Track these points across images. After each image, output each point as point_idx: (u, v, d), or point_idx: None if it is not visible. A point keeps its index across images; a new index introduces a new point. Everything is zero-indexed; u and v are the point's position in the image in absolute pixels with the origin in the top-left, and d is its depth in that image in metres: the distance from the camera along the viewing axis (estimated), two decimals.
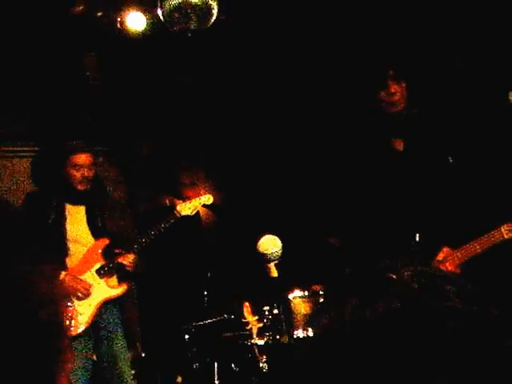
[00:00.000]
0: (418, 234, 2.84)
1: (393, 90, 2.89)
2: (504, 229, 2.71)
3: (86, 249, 3.60)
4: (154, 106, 5.23)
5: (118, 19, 4.11)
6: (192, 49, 4.41)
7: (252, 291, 4.00)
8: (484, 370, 0.64)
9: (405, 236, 2.86)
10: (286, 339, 3.59)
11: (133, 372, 4.48)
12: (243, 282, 4.47)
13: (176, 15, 3.49)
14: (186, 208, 3.90)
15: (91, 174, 3.62)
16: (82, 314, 3.51)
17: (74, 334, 3.43)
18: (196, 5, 3.47)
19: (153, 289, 5.12)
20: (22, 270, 0.79)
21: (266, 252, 2.87)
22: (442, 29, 3.81)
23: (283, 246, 2.86)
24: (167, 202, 3.97)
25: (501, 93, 3.48)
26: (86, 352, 3.51)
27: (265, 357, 3.74)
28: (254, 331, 3.86)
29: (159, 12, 3.64)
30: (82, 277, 3.56)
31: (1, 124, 4.91)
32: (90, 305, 3.54)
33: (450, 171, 2.94)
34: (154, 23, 4.02)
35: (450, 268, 2.76)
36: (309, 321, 3.63)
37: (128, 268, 3.63)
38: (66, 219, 3.59)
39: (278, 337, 3.68)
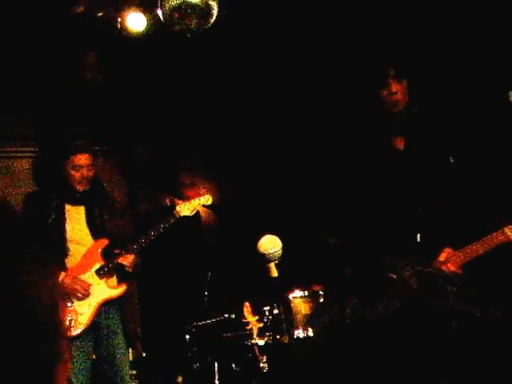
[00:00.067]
0: (419, 235, 2.84)
1: (394, 89, 2.88)
2: (509, 230, 2.68)
3: (85, 249, 3.60)
4: (154, 106, 5.23)
5: (119, 19, 4.12)
6: (192, 49, 4.41)
7: (252, 291, 3.99)
8: (484, 370, 0.64)
9: (405, 236, 2.86)
10: (286, 339, 3.59)
11: (134, 372, 4.49)
12: (243, 282, 4.46)
13: (176, 15, 3.49)
14: (185, 209, 3.90)
15: (90, 174, 3.62)
16: (81, 315, 3.51)
17: (73, 334, 3.43)
18: (196, 5, 3.47)
19: (153, 289, 5.12)
20: (21, 269, 0.79)
21: (266, 252, 2.87)
22: (443, 28, 3.81)
23: (283, 246, 2.86)
24: (167, 202, 3.97)
25: (501, 92, 3.48)
26: (86, 352, 3.51)
27: (265, 357, 3.74)
28: (255, 331, 3.86)
29: (159, 12, 3.63)
30: (81, 277, 3.56)
31: (1, 124, 4.91)
32: (89, 305, 3.54)
33: (451, 171, 2.93)
34: (154, 23, 4.02)
35: (451, 269, 2.75)
36: (309, 321, 3.63)
37: (127, 268, 3.63)
38: (65, 219, 3.59)
39: (278, 337, 3.67)
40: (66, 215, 3.60)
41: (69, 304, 3.49)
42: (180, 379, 4.59)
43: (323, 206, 4.18)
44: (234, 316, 4.11)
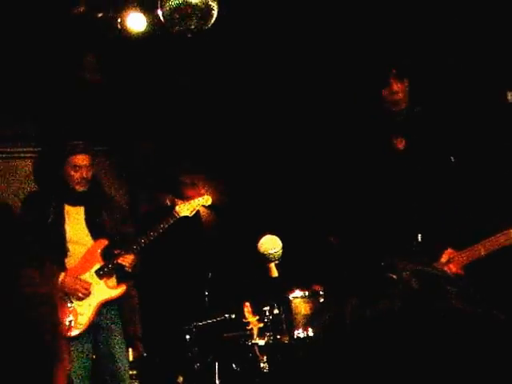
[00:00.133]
0: (420, 235, 2.83)
1: (395, 89, 2.87)
2: None
3: (85, 249, 3.60)
4: (155, 107, 5.24)
5: (119, 20, 4.11)
6: (192, 49, 4.41)
7: (252, 291, 4.00)
8: (484, 370, 0.64)
9: (405, 236, 2.85)
10: (286, 339, 3.59)
11: (134, 372, 4.49)
12: (244, 282, 4.47)
13: (176, 16, 3.49)
14: (184, 209, 3.90)
15: (89, 174, 3.62)
16: (82, 315, 3.51)
17: (73, 334, 3.43)
18: (196, 5, 3.48)
19: (154, 289, 5.12)
20: (21, 270, 0.79)
21: (266, 252, 2.88)
22: (443, 28, 3.81)
23: (283, 246, 2.86)
24: (168, 202, 3.97)
25: (500, 92, 3.48)
26: (86, 352, 3.51)
27: (265, 357, 3.74)
28: (255, 331, 3.86)
29: (159, 13, 3.64)
30: (81, 277, 3.56)
31: (2, 125, 4.91)
32: (89, 305, 3.55)
33: (452, 171, 2.93)
34: (154, 24, 4.02)
35: (454, 270, 2.73)
36: (309, 321, 3.63)
37: (127, 269, 3.63)
38: (65, 220, 3.59)
39: (278, 337, 3.68)
40: (66, 215, 3.60)
41: (69, 304, 3.50)
42: (180, 379, 4.59)
43: (323, 205, 4.18)
44: (234, 316, 4.11)
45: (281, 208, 4.83)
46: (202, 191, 5.06)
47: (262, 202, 5.01)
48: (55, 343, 0.79)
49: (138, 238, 3.67)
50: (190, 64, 4.74)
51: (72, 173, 3.57)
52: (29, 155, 4.88)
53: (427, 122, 2.97)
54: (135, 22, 4.11)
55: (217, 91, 5.01)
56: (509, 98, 3.39)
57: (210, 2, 3.51)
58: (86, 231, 3.63)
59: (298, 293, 3.76)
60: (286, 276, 3.04)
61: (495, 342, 0.66)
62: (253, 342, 3.83)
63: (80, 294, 3.51)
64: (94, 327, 3.55)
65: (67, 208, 3.62)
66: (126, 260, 3.62)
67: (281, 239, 2.88)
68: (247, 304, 3.98)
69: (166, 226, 3.75)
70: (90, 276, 3.59)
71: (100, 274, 3.60)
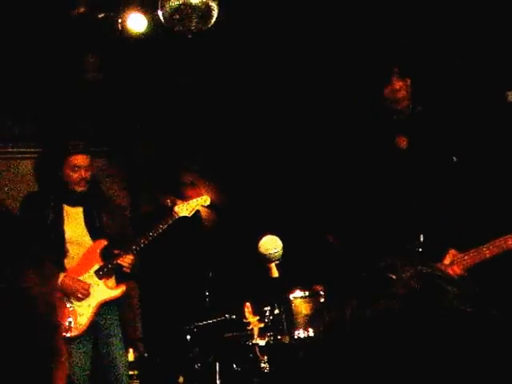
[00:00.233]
0: (421, 235, 2.82)
1: (397, 87, 2.86)
2: None
3: (84, 250, 3.60)
4: (155, 107, 5.24)
5: (119, 20, 4.12)
6: (192, 50, 4.41)
7: (253, 291, 4.00)
8: (484, 370, 0.64)
9: (406, 236, 2.85)
10: (287, 339, 3.59)
11: (135, 372, 4.49)
12: (244, 283, 4.47)
13: (176, 16, 3.50)
14: (183, 209, 3.90)
15: (88, 175, 3.61)
16: (81, 315, 3.52)
17: (73, 334, 3.43)
18: (196, 6, 3.48)
19: (155, 289, 5.12)
20: (20, 270, 0.79)
21: (266, 252, 2.87)
22: (445, 27, 3.80)
23: (284, 247, 2.86)
24: (168, 202, 3.97)
25: (499, 92, 3.47)
26: (86, 353, 3.51)
27: (266, 357, 3.74)
28: (255, 331, 3.86)
29: (160, 13, 3.64)
30: (81, 278, 3.56)
31: (2, 125, 4.91)
32: (89, 305, 3.55)
33: (454, 171, 2.92)
34: (154, 24, 4.02)
35: (458, 271, 2.70)
36: (310, 321, 3.63)
37: (126, 269, 3.63)
38: (64, 220, 3.59)
39: (279, 337, 3.67)
40: (65, 216, 3.60)
41: (68, 305, 3.50)
42: (181, 379, 4.59)
43: (324, 205, 4.18)
44: (234, 316, 4.11)
45: (281, 208, 4.83)
46: (202, 191, 5.06)
47: (263, 202, 5.01)
48: (55, 344, 0.79)
49: (138, 239, 3.67)
50: (191, 64, 4.74)
51: (71, 173, 3.56)
52: (29, 155, 4.88)
53: (429, 122, 2.96)
54: (136, 22, 4.12)
55: (217, 91, 5.01)
56: (509, 98, 3.39)
57: (210, 3, 3.52)
58: (85, 232, 3.63)
59: (298, 293, 3.76)
60: (286, 276, 3.04)
61: (495, 343, 0.66)
62: (253, 342, 3.83)
63: (79, 295, 3.51)
64: (94, 328, 3.55)
65: (66, 208, 3.62)
66: (126, 260, 3.62)
67: (281, 239, 2.88)
68: (248, 304, 3.98)
69: (165, 226, 3.75)
70: (89, 276, 3.59)
71: (99, 274, 3.60)
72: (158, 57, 4.65)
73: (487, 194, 3.04)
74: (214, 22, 3.61)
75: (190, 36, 3.63)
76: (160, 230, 3.71)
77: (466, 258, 2.74)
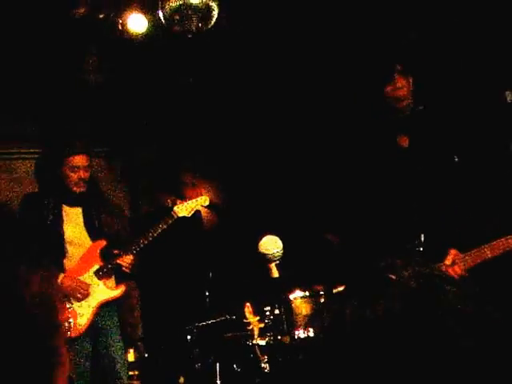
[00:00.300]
0: (422, 235, 2.81)
1: (399, 85, 2.84)
2: None
3: (83, 250, 3.60)
4: (155, 107, 5.24)
5: (120, 21, 4.12)
6: (193, 50, 4.41)
7: (253, 292, 4.00)
8: (484, 370, 0.64)
9: (406, 236, 2.84)
10: (287, 339, 3.59)
11: (136, 373, 4.49)
12: (244, 283, 4.47)
13: (177, 17, 3.50)
14: (183, 209, 3.90)
15: (87, 175, 3.61)
16: (81, 316, 3.52)
17: (73, 335, 3.44)
18: (196, 6, 3.48)
19: (155, 290, 5.12)
20: (20, 270, 0.79)
21: (266, 252, 2.87)
22: (448, 27, 3.80)
23: (284, 247, 2.86)
24: (169, 202, 3.98)
25: (498, 92, 3.47)
26: (85, 353, 3.51)
27: (266, 357, 3.74)
28: (256, 331, 3.86)
29: (160, 14, 3.64)
30: (80, 278, 3.56)
31: (3, 125, 4.92)
32: (89, 306, 3.55)
33: (455, 170, 2.91)
34: (155, 25, 4.02)
35: (459, 271, 2.69)
36: (310, 321, 3.63)
37: (126, 269, 3.63)
38: (63, 221, 3.59)
39: (279, 337, 3.67)
40: (64, 216, 3.60)
41: (68, 305, 3.49)
42: (182, 380, 4.59)
43: (324, 205, 4.18)
44: (235, 316, 4.11)
45: (281, 208, 4.83)
46: (202, 191, 5.07)
47: (263, 202, 5.01)
48: (56, 344, 0.79)
49: (137, 239, 3.67)
50: (191, 65, 4.74)
51: (70, 174, 3.56)
52: (29, 156, 4.89)
53: (431, 121, 2.94)
54: (136, 23, 4.12)
55: (217, 92, 5.01)
56: (507, 97, 3.38)
57: (210, 3, 3.52)
58: (85, 232, 3.63)
59: (298, 293, 3.76)
60: (286, 276, 3.04)
61: (495, 343, 0.66)
62: (253, 342, 3.83)
63: (79, 295, 3.51)
64: (93, 328, 3.55)
65: (65, 209, 3.62)
66: (125, 260, 3.62)
67: (281, 239, 2.88)
68: (248, 304, 3.98)
69: (165, 226, 3.75)
70: (88, 277, 3.59)
71: (99, 274, 3.60)
72: (159, 57, 4.65)
73: (488, 194, 3.04)
74: (214, 22, 3.61)
75: (190, 36, 3.63)
76: (159, 230, 3.71)
77: (467, 258, 2.73)
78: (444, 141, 2.92)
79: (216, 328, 4.22)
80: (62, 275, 3.48)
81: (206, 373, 4.15)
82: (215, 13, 3.56)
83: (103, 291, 3.61)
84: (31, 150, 4.84)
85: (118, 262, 3.62)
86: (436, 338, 0.65)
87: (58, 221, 3.57)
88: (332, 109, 4.46)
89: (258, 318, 3.90)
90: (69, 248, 3.57)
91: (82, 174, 3.57)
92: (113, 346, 3.60)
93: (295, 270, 3.41)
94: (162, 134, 5.43)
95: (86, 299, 3.54)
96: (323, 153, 4.43)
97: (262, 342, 3.79)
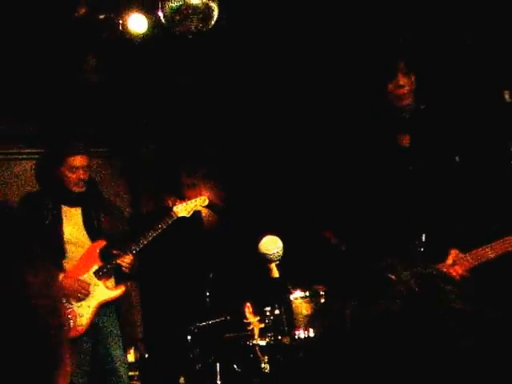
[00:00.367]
0: (423, 235, 2.80)
1: (401, 83, 2.82)
2: None
3: (83, 251, 3.60)
4: (156, 108, 5.24)
5: (120, 21, 4.12)
6: (193, 51, 4.41)
7: (253, 292, 4.00)
8: (484, 370, 0.64)
9: (407, 236, 2.83)
10: (287, 340, 3.59)
11: (136, 373, 4.49)
12: (245, 283, 4.47)
13: (177, 17, 3.50)
14: (182, 209, 3.91)
15: (86, 175, 3.61)
16: (81, 316, 3.52)
17: (73, 335, 3.43)
18: (197, 7, 3.48)
19: (155, 290, 5.12)
20: (21, 270, 0.79)
21: (267, 252, 2.88)
22: (451, 27, 3.79)
23: (284, 247, 2.86)
24: (169, 202, 3.98)
25: (497, 92, 3.46)
26: (85, 353, 3.51)
27: (266, 357, 3.74)
28: (256, 332, 3.86)
29: (160, 14, 3.65)
30: (80, 278, 3.56)
31: (3, 126, 4.92)
32: (89, 306, 3.55)
33: (456, 171, 2.90)
34: (155, 25, 4.02)
35: (460, 272, 2.68)
36: (310, 321, 3.63)
37: (125, 269, 3.63)
38: (62, 221, 3.59)
39: (279, 337, 3.67)
40: (63, 217, 3.60)
41: (68, 306, 3.49)
42: (182, 380, 4.59)
43: (324, 205, 4.17)
44: (235, 317, 4.11)
45: (281, 208, 4.83)
46: (202, 192, 5.07)
47: (263, 202, 5.01)
48: (57, 346, 0.79)
49: (137, 239, 3.67)
50: (191, 65, 4.75)
51: (69, 174, 3.56)
52: (29, 156, 4.89)
53: (433, 120, 2.93)
54: (136, 23, 4.12)
55: (217, 92, 5.01)
56: (506, 97, 3.38)
57: (211, 4, 3.52)
58: (84, 232, 3.63)
59: (298, 293, 3.76)
60: (286, 276, 3.04)
61: (495, 343, 0.66)
62: (254, 342, 3.83)
63: (80, 295, 3.51)
64: (93, 328, 3.55)
65: (64, 209, 3.62)
66: (125, 260, 3.62)
67: (282, 240, 2.88)
68: (248, 304, 3.98)
69: (164, 226, 3.75)
70: (88, 277, 3.58)
71: (99, 274, 3.60)
72: (159, 57, 4.65)
73: (489, 194, 3.03)
74: (215, 22, 3.61)
75: (190, 37, 3.63)
76: (159, 231, 3.72)
77: (468, 258, 2.72)
78: (445, 141, 2.91)
79: (216, 328, 4.23)
80: (61, 275, 3.48)
81: (206, 373, 4.15)
82: (215, 13, 3.56)
83: (103, 291, 3.61)
84: (31, 150, 4.84)
85: (118, 262, 3.62)
86: (436, 338, 0.65)
87: (58, 221, 3.57)
88: (332, 108, 4.46)
89: (258, 318, 3.90)
90: (68, 248, 3.57)
91: (81, 174, 3.57)
92: (113, 346, 3.60)
93: (295, 270, 3.41)
94: (162, 134, 5.43)
95: (86, 299, 3.54)
96: (323, 152, 4.42)
97: (263, 343, 3.79)
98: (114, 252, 3.65)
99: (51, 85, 4.73)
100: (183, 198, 4.16)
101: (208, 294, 4.42)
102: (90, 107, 4.94)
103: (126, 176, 5.59)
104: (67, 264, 3.55)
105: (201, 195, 4.26)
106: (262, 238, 2.94)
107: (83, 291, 3.52)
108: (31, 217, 3.53)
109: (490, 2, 3.67)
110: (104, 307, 3.61)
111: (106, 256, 3.63)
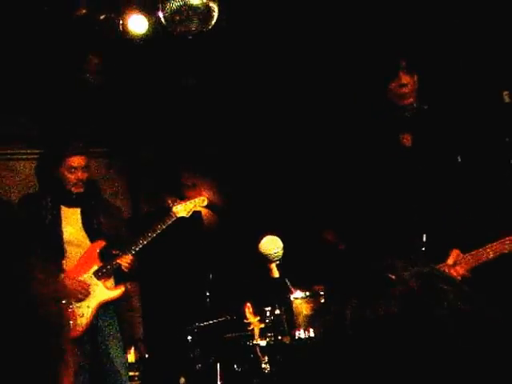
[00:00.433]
0: (424, 235, 2.79)
1: (404, 82, 2.80)
2: None
3: (82, 251, 3.60)
4: (156, 108, 5.24)
5: (120, 22, 4.12)
6: (193, 51, 4.41)
7: (254, 292, 4.00)
8: (484, 370, 0.64)
9: (408, 236, 2.83)
10: (287, 340, 3.59)
11: (137, 373, 4.49)
12: (245, 283, 4.47)
13: (177, 17, 3.51)
14: (181, 210, 3.90)
15: (85, 176, 3.61)
16: (81, 316, 3.51)
17: (73, 335, 3.44)
18: (197, 7, 3.49)
19: (156, 290, 5.12)
20: (22, 270, 0.79)
21: (267, 252, 2.87)
22: (453, 26, 3.79)
23: (284, 247, 2.86)
24: (170, 203, 3.98)
25: (496, 92, 3.45)
26: (85, 354, 3.51)
27: (267, 357, 3.74)
28: (256, 332, 3.86)
29: (160, 14, 3.65)
30: (80, 279, 3.56)
31: (4, 126, 4.92)
32: (88, 306, 3.54)
33: (458, 171, 2.89)
34: (155, 26, 4.03)
35: (461, 272, 2.67)
36: (310, 321, 3.63)
37: (125, 269, 3.63)
38: (61, 221, 3.59)
39: (279, 337, 3.68)
40: (62, 217, 3.60)
41: (68, 306, 3.49)
42: (182, 380, 4.60)
43: (325, 205, 4.17)
44: (235, 317, 4.11)
45: (281, 208, 4.84)
46: (202, 192, 5.07)
47: (263, 202, 5.01)
48: (61, 345, 0.79)
49: (136, 239, 3.67)
50: (191, 65, 4.75)
51: (68, 175, 3.56)
52: (29, 156, 4.89)
53: (435, 120, 2.92)
54: (136, 24, 4.12)
55: (217, 92, 5.01)
56: (505, 98, 3.37)
57: (211, 4, 3.52)
58: (83, 233, 3.62)
59: (299, 293, 3.76)
60: (287, 276, 3.04)
61: (495, 343, 0.67)
62: (254, 342, 3.84)
63: (80, 296, 3.51)
64: (93, 328, 3.55)
65: (63, 209, 3.62)
66: (125, 261, 3.61)
67: (282, 240, 2.88)
68: (248, 305, 3.98)
69: (164, 226, 3.75)
70: (88, 277, 3.58)
71: (98, 275, 3.60)
72: (159, 58, 4.65)
73: (491, 195, 3.03)
74: (215, 23, 3.61)
75: (190, 37, 3.63)
76: (158, 231, 3.71)
77: (469, 258, 2.72)
78: (447, 141, 2.90)
79: (217, 328, 4.23)
80: (61, 276, 3.48)
81: (206, 373, 4.16)
82: (215, 13, 3.56)
83: (102, 292, 3.61)
84: (31, 150, 4.84)
85: (118, 262, 3.62)
86: (436, 338, 0.65)
87: (57, 221, 3.57)
88: (333, 107, 4.46)
89: (258, 318, 3.90)
90: (67, 248, 3.56)
91: (79, 174, 3.57)
92: (112, 347, 3.60)
93: (295, 270, 3.41)
94: (162, 134, 5.44)
95: (86, 300, 3.54)
96: (323, 151, 4.42)
97: (263, 343, 3.79)
98: (114, 252, 3.64)
99: (51, 85, 4.73)
100: (183, 198, 4.15)
101: (208, 294, 4.42)
102: (90, 107, 4.94)
103: (126, 176, 5.59)
104: (67, 264, 3.55)
105: (200, 195, 4.26)
106: (262, 238, 2.94)
107: (83, 291, 3.52)
108: (31, 217, 3.54)
109: (490, 2, 3.67)
110: (104, 307, 3.61)
111: (105, 256, 3.63)
